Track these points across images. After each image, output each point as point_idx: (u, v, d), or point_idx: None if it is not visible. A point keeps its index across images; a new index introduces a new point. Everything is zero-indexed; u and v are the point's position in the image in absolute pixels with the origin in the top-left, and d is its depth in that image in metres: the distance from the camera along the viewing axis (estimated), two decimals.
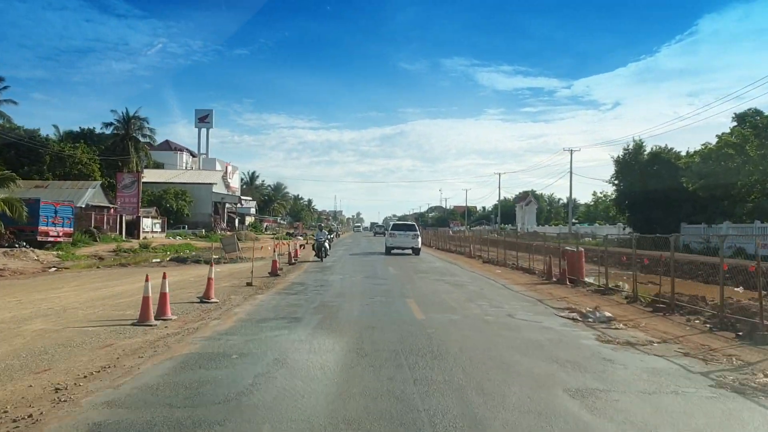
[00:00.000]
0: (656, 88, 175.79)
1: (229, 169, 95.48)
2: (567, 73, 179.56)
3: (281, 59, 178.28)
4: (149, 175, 62.75)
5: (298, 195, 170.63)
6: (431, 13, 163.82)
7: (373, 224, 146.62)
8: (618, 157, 43.58)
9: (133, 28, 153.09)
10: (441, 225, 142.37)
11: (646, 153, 42.37)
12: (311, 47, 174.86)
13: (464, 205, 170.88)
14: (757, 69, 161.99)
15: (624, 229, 45.86)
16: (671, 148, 41.69)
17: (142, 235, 46.10)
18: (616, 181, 44.12)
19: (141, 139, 58.63)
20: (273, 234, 72.64)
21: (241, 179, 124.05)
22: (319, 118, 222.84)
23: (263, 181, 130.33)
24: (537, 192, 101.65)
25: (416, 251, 32.44)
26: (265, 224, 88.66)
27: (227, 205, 70.25)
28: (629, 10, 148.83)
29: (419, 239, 32.93)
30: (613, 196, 46.07)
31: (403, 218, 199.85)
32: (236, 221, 71.06)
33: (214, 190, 64.52)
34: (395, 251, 32.49)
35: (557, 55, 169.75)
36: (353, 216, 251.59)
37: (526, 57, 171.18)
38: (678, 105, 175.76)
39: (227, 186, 72.88)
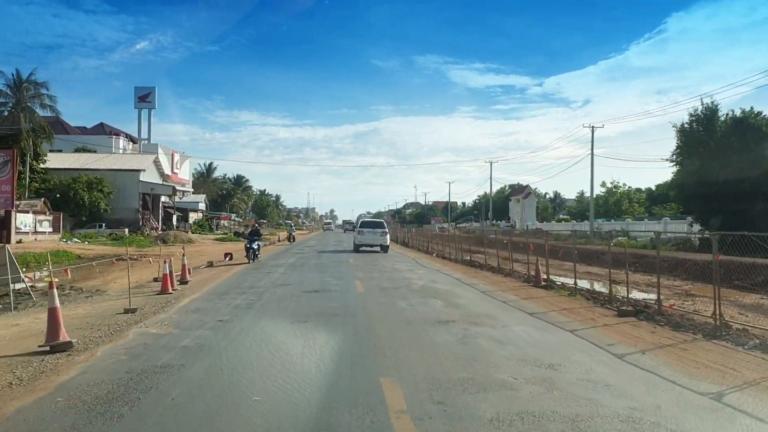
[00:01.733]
0: (626, 85, 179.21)
1: (176, 157, 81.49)
2: (538, 71, 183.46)
3: (253, 55, 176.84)
4: (55, 160, 48.84)
5: (264, 190, 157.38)
6: (404, 10, 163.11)
7: (344, 221, 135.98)
8: (683, 125, 31.44)
9: (103, 24, 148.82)
10: (420, 222, 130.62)
11: (722, 119, 30.31)
12: (283, 43, 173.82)
13: (442, 201, 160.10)
14: (724, 67, 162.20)
15: (692, 225, 33.61)
16: (760, 112, 29.64)
17: (15, 238, 32.53)
18: (678, 158, 31.97)
19: (40, 111, 44.83)
20: (224, 233, 59.27)
21: (198, 171, 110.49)
22: (292, 115, 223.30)
23: (225, 174, 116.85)
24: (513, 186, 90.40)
25: (384, 249, 31.92)
26: (220, 222, 75.07)
27: (163, 199, 56.57)
28: (599, 9, 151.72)
29: (388, 236, 32.70)
30: (675, 178, 33.76)
31: (378, 215, 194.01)
32: (174, 218, 57.45)
33: (142, 179, 50.85)
34: (364, 248, 31.84)
35: (529, 53, 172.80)
36: (326, 213, 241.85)
37: (498, 55, 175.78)
38: (647, 102, 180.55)
39: (163, 175, 59.15)
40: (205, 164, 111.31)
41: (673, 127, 32.21)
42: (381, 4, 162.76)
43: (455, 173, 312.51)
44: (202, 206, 73.93)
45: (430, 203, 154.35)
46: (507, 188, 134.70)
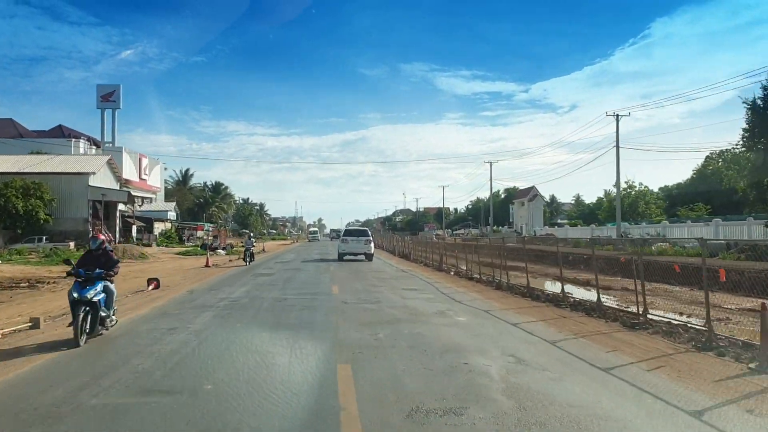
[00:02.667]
0: (611, 90, 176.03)
1: (145, 162, 73.89)
2: (524, 77, 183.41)
3: (239, 65, 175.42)
4: None
5: (248, 198, 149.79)
6: (389, 18, 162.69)
7: (332, 230, 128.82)
8: (754, 101, 24.58)
9: (87, 36, 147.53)
10: (412, 229, 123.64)
11: None
12: (269, 53, 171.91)
13: (433, 207, 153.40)
14: (709, 71, 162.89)
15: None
16: None
17: None
18: (749, 141, 25.08)
19: None
20: (195, 246, 51.72)
21: (173, 178, 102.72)
22: (279, 125, 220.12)
23: (209, 182, 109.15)
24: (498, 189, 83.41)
25: (369, 257, 32.00)
26: (194, 233, 67.49)
27: (121, 207, 48.98)
28: (584, 15, 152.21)
29: (372, 245, 32.80)
30: (750, 167, 26.80)
31: (367, 223, 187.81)
32: (134, 229, 49.87)
33: (92, 183, 43.27)
34: (348, 257, 31.83)
35: (515, 59, 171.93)
36: (314, 222, 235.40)
37: (484, 61, 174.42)
38: (633, 107, 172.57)
39: (121, 179, 51.49)
40: (181, 171, 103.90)
41: (744, 102, 25.34)
42: (365, 13, 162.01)
43: (443, 180, 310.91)
44: (172, 215, 66.27)
45: (421, 209, 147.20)
46: (501, 192, 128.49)
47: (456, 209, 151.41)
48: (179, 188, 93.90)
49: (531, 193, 73.72)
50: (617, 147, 40.93)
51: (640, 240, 17.13)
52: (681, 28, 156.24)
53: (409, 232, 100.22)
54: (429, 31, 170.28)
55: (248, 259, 28.15)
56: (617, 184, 42.44)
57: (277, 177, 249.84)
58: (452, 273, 23.24)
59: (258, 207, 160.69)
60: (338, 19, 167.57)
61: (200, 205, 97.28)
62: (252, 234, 42.95)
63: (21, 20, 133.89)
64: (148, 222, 55.44)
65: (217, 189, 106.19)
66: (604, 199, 67.36)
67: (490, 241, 26.43)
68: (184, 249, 46.40)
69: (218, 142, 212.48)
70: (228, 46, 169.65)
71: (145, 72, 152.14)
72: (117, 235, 47.32)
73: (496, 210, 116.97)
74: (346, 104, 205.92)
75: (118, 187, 48.79)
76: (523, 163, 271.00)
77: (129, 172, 68.96)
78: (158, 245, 53.60)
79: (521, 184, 79.84)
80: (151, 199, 58.14)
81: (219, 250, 41.73)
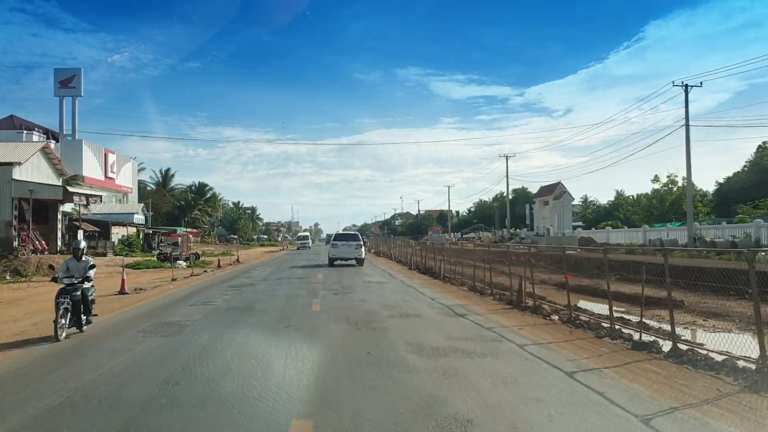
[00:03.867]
0: (606, 94, 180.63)
1: (112, 158, 64.72)
2: (519, 81, 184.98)
3: (235, 71, 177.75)
4: None
5: (238, 202, 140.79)
6: (384, 23, 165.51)
7: (328, 236, 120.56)
8: None
9: (81, 42, 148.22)
10: (413, 233, 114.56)
11: None
12: (265, 59, 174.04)
13: (436, 210, 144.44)
14: (702, 74, 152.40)
15: None
16: None
17: None
18: None
19: None
20: (155, 254, 42.33)
21: (153, 179, 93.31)
22: (276, 130, 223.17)
23: (199, 182, 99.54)
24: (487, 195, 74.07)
25: (360, 261, 31.57)
26: (164, 238, 58.22)
27: (68, 209, 39.73)
28: (578, 19, 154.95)
29: (363, 249, 32.43)
30: None
31: (365, 227, 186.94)
32: (81, 234, 40.50)
33: (17, 177, 34.04)
34: (338, 262, 31.28)
35: (509, 63, 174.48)
36: (311, 227, 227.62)
37: (479, 66, 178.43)
38: (627, 110, 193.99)
39: (63, 174, 42.18)
40: (161, 171, 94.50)
41: None
42: (359, 19, 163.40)
43: (439, 185, 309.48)
44: (140, 218, 57.00)
45: (422, 212, 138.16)
46: (510, 193, 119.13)
47: (458, 212, 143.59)
48: (157, 190, 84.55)
49: (557, 191, 64.14)
50: (686, 125, 31.92)
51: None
52: (675, 31, 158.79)
53: (410, 236, 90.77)
54: (423, 37, 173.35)
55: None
56: (688, 172, 33.31)
57: (273, 183, 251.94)
58: (530, 305, 13.61)
59: (249, 211, 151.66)
60: (332, 27, 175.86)
61: (181, 208, 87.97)
62: (179, 243, 33.45)
63: (15, 27, 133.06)
64: (104, 227, 46.16)
65: (201, 190, 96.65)
66: (632, 197, 58.37)
67: (534, 249, 17.18)
68: (142, 260, 37.15)
69: (214, 149, 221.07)
70: (223, 52, 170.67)
71: (140, 78, 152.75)
72: (60, 242, 38.10)
73: (505, 212, 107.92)
74: (342, 109, 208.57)
75: (59, 183, 39.49)
76: (519, 165, 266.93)
77: (91, 168, 59.74)
78: (117, 254, 44.49)
79: (532, 184, 71.41)
80: (90, 196, 48.68)
81: (180, 262, 32.54)
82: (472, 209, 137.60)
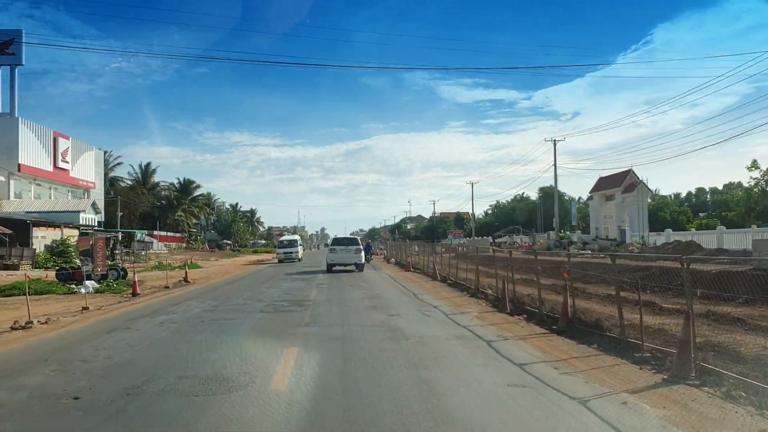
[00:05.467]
0: (614, 97, 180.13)
1: (65, 144, 52.18)
2: (526, 85, 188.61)
3: (242, 77, 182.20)
4: None
5: (236, 204, 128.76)
6: (389, 29, 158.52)
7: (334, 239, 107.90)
8: None
9: (90, 49, 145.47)
10: (429, 237, 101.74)
11: None
12: (271, 64, 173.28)
13: (451, 212, 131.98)
14: (711, 76, 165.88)
15: None
16: None
17: None
18: None
19: None
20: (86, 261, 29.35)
21: (131, 175, 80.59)
22: (283, 135, 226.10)
23: (185, 179, 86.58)
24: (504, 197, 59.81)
25: (360, 267, 30.62)
26: (116, 242, 45.64)
27: None
28: (585, 22, 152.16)
29: (362, 254, 31.51)
30: None
31: (373, 232, 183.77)
32: None
33: None
34: (337, 268, 30.58)
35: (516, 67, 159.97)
36: (317, 232, 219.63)
37: (486, 69, 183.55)
38: (635, 114, 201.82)
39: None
40: (140, 166, 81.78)
41: None
42: (365, 26, 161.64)
43: (447, 188, 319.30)
44: (88, 218, 44.33)
45: (437, 214, 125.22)
46: (518, 196, 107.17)
47: (473, 214, 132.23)
48: (132, 187, 71.90)
49: (627, 181, 50.31)
50: None
51: None
52: (683, 34, 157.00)
53: (425, 240, 77.54)
54: (429, 42, 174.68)
55: None
56: None
57: (281, 187, 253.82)
58: None
59: (248, 213, 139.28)
60: (338, 34, 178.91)
61: (162, 208, 75.33)
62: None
63: (25, 35, 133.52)
64: (23, 229, 33.56)
65: (186, 188, 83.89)
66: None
67: None
68: (42, 277, 24.40)
69: (222, 153, 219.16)
70: (230, 57, 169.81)
71: (148, 84, 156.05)
72: None
73: (533, 212, 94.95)
74: (349, 114, 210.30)
75: None
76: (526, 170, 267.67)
77: (32, 154, 47.30)
78: (40, 265, 32.09)
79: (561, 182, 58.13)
80: (83, 196, 36.18)
81: (88, 283, 19.78)
82: (488, 212, 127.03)
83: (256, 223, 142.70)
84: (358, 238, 37.23)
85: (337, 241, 33.18)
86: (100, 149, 62.21)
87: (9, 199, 42.67)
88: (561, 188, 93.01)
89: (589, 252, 28.35)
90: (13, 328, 11.41)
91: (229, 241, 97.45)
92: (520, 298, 13.30)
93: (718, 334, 7.64)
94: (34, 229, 34.89)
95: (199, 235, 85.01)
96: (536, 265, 13.67)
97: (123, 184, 76.83)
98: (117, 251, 33.44)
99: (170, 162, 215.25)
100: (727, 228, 39.41)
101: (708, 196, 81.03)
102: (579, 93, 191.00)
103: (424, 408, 5.38)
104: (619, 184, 51.50)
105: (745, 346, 7.02)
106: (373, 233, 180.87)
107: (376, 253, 56.00)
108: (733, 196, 47.94)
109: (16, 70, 48.78)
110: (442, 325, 10.95)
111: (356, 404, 5.53)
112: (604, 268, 13.19)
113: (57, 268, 25.66)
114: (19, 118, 46.48)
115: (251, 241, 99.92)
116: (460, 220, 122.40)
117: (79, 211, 42.90)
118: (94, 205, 47.13)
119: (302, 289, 19.64)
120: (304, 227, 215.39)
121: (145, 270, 32.21)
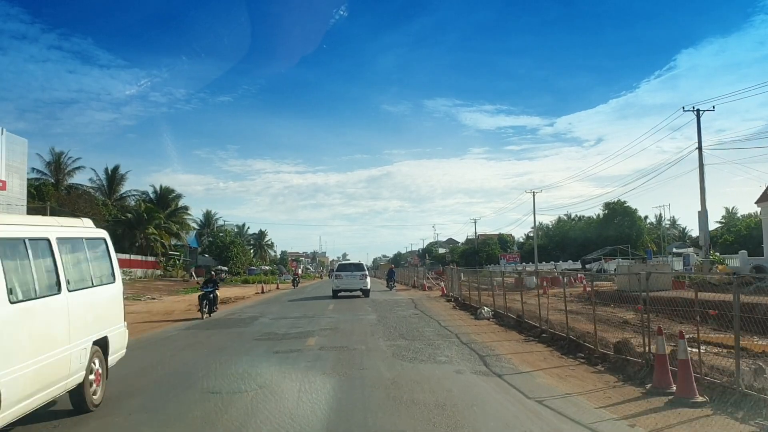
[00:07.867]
0: (638, 123, 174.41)
1: None
2: (549, 111, 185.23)
3: (265, 105, 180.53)
4: None
5: (243, 224, 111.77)
6: (409, 57, 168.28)
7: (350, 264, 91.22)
8: None
9: (116, 78, 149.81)
10: (470, 262, 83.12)
11: None
12: (294, 92, 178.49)
13: (491, 233, 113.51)
14: (735, 102, 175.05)
15: None
16: None
17: None
18: None
19: None
20: None
21: (94, 182, 63.21)
22: (305, 162, 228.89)
23: (162, 187, 68.62)
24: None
25: (365, 292, 30.31)
26: None
27: None
28: (607, 48, 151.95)
29: (368, 279, 31.26)
30: None
31: (398, 257, 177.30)
32: None
33: None
34: (343, 293, 30.02)
35: (538, 93, 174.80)
36: (338, 258, 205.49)
37: (508, 96, 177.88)
38: (661, 140, 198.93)
39: None
40: (106, 170, 64.19)
41: None
42: (385, 53, 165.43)
43: (468, 215, 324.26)
44: None
45: (478, 236, 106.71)
46: (566, 217, 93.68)
47: (512, 237, 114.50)
48: (80, 194, 54.24)
49: None
50: None
51: None
52: (707, 59, 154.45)
53: (465, 266, 58.28)
54: (450, 68, 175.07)
55: None
56: None
57: (303, 214, 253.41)
58: None
59: (256, 236, 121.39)
60: (357, 60, 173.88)
61: (130, 225, 57.51)
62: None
63: (53, 64, 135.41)
64: None
65: (164, 200, 65.94)
66: None
67: None
68: None
69: (245, 180, 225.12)
70: (254, 86, 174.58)
71: (173, 113, 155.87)
72: None
73: (581, 231, 79.19)
74: (371, 141, 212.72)
75: None
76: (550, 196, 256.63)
77: None
78: None
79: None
80: None
81: None
82: (530, 235, 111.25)
83: (265, 247, 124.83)
84: (363, 263, 36.77)
85: (343, 267, 33.47)
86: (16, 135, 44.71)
87: None
88: (625, 206, 77.52)
89: None
90: None
91: (225, 267, 78.77)
92: None
93: None
94: None
95: (179, 259, 66.77)
96: None
97: (89, 191, 59.76)
98: None
99: (194, 189, 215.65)
100: None
101: None
102: (602, 119, 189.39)
103: None
104: None
105: None
106: (398, 258, 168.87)
107: (424, 285, 38.67)
108: None
109: None
110: None
111: None
112: None
113: None
114: None
115: (249, 268, 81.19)
116: (504, 242, 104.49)
117: None
118: None
119: None
120: (324, 252, 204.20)
121: None
